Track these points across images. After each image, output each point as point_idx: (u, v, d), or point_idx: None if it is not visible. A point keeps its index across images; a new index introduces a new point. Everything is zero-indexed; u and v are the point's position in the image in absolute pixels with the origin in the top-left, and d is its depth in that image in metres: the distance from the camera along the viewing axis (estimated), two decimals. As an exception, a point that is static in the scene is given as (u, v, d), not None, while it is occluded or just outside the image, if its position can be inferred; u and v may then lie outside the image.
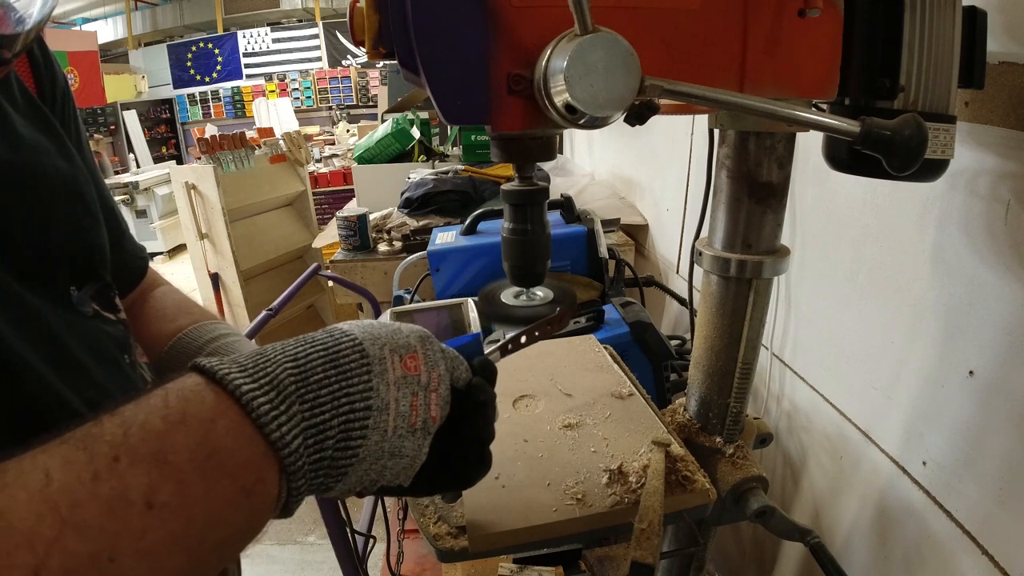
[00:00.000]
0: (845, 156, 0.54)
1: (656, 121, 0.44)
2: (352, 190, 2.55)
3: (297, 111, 9.06)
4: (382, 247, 1.77)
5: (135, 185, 5.95)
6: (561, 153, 3.08)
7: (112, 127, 8.90)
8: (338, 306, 3.23)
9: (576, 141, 2.87)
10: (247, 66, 9.93)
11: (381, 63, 4.66)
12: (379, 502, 1.40)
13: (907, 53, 0.49)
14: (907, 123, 0.42)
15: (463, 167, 2.18)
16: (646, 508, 0.54)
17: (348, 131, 6.36)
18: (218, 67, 10.02)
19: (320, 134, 6.88)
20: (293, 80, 9.76)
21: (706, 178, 0.70)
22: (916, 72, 0.49)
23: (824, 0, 0.47)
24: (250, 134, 3.52)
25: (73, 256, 0.46)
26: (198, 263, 3.25)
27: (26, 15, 0.39)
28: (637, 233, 1.78)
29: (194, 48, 10.03)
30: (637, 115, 0.41)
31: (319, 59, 9.81)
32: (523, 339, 0.50)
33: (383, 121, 2.89)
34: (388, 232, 1.80)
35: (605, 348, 0.87)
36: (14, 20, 0.39)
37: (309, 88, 9.73)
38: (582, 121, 0.41)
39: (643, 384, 0.78)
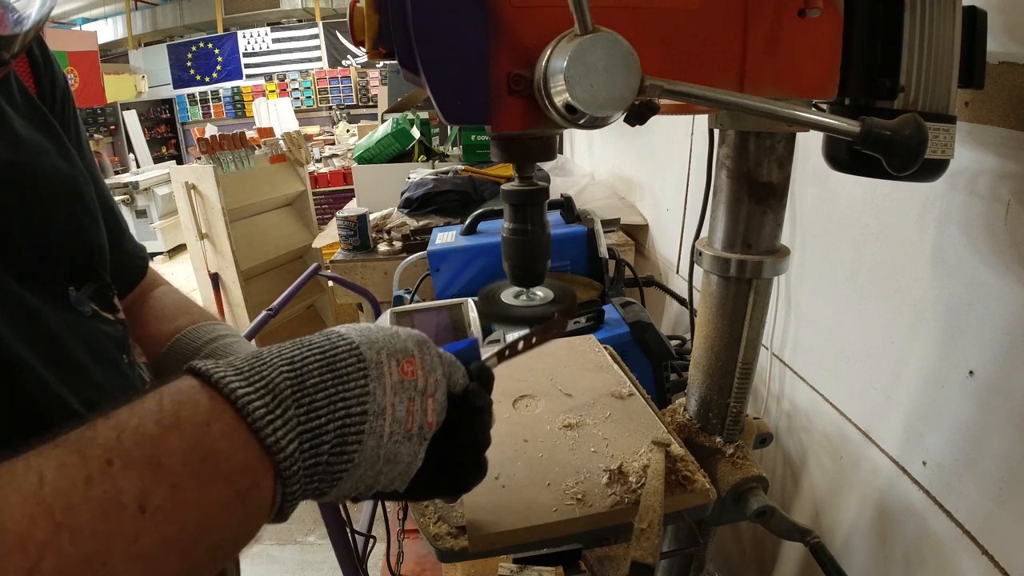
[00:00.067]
0: (845, 156, 0.54)
1: (656, 121, 0.44)
2: (352, 190, 2.55)
3: (297, 111, 9.06)
4: (382, 247, 1.77)
5: (135, 185, 5.95)
6: (561, 153, 3.08)
7: (112, 127, 8.90)
8: (338, 306, 3.23)
9: (576, 141, 2.87)
10: (247, 66, 9.93)
11: (381, 63, 4.66)
12: (379, 502, 1.40)
13: (907, 53, 0.49)
14: (907, 123, 0.42)
15: (463, 167, 2.18)
16: (646, 508, 0.54)
17: (348, 131, 6.36)
18: (218, 67, 10.02)
19: (320, 134, 6.88)
20: (293, 80, 9.76)
21: (706, 178, 0.70)
22: (916, 72, 0.49)
23: (824, 0, 0.47)
24: (250, 134, 3.52)
25: (73, 256, 0.46)
26: (198, 263, 3.25)
27: (25, 15, 0.39)
28: (637, 233, 1.78)
29: (194, 48, 10.03)
30: (637, 115, 0.41)
31: (319, 59, 9.81)
32: (520, 345, 0.50)
33: (383, 121, 2.89)
34: (388, 232, 1.80)
35: (605, 348, 0.87)
36: (12, 20, 0.39)
37: (309, 88, 9.73)
38: (582, 121, 0.41)
39: (643, 384, 0.78)
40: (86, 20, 10.05)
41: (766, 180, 0.57)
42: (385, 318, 1.15)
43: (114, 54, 10.25)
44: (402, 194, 1.99)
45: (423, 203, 1.92)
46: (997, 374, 0.63)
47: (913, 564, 0.76)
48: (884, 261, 0.79)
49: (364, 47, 0.44)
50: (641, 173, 1.88)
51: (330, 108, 9.66)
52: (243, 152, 3.20)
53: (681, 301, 1.41)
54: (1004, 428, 0.62)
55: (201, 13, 9.85)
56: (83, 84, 7.48)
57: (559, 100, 0.40)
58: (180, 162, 8.56)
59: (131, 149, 9.09)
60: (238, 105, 9.95)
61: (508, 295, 0.60)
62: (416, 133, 2.50)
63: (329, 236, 2.22)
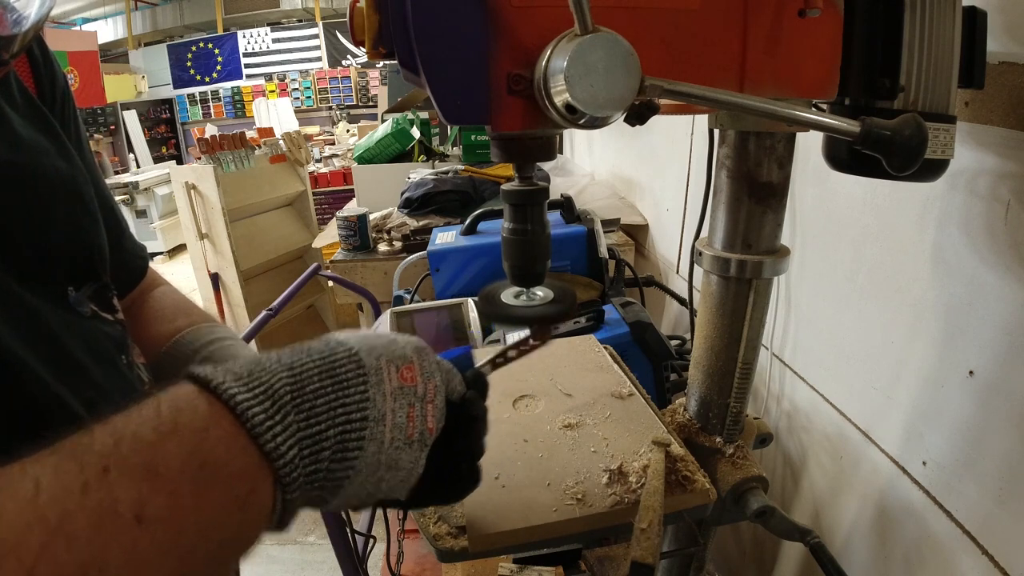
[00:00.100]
0: (845, 156, 0.54)
1: (656, 121, 0.44)
2: (352, 190, 2.55)
3: (297, 111, 9.06)
4: (382, 247, 1.77)
5: (135, 185, 5.95)
6: (561, 153, 3.08)
7: (112, 127, 8.90)
8: (338, 306, 3.23)
9: (576, 141, 2.87)
10: (247, 66, 9.93)
11: (381, 63, 4.67)
12: (379, 502, 1.40)
13: (907, 53, 0.49)
14: (907, 123, 0.42)
15: (463, 167, 2.18)
16: (646, 508, 0.54)
17: (348, 131, 6.36)
18: (218, 67, 10.02)
19: (320, 134, 6.89)
20: (293, 80, 9.76)
21: (706, 178, 0.70)
22: (916, 72, 0.49)
23: (824, 0, 0.47)
24: (250, 134, 3.52)
25: (73, 256, 0.46)
26: (198, 263, 3.25)
27: (24, 15, 0.39)
28: (637, 233, 1.78)
29: (194, 48, 10.03)
30: (637, 115, 0.41)
31: (319, 59, 9.81)
32: (513, 352, 0.50)
33: (383, 121, 2.89)
34: (388, 232, 1.80)
35: (605, 348, 0.87)
36: (12, 20, 0.39)
37: (309, 88, 9.73)
38: (582, 121, 0.41)
39: (643, 384, 0.78)
40: (86, 20, 10.05)
41: (766, 180, 0.57)
42: (385, 318, 1.15)
43: (114, 54, 10.26)
44: (402, 194, 1.99)
45: (423, 203, 1.92)
46: (997, 374, 0.63)
47: (913, 564, 0.76)
48: (884, 261, 0.79)
49: (364, 47, 0.44)
50: (641, 173, 1.88)
51: (330, 108, 9.66)
52: (243, 152, 3.20)
53: (681, 301, 1.41)
54: (1004, 428, 0.62)
55: (201, 13, 9.85)
56: (83, 84, 7.48)
57: (559, 100, 0.40)
58: (180, 162, 8.56)
59: (131, 149, 9.10)
60: (238, 105, 9.95)
61: (508, 295, 0.60)
62: (416, 133, 2.50)
63: (329, 236, 2.22)
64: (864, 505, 0.85)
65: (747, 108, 0.43)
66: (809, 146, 0.61)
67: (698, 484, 0.60)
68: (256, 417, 0.32)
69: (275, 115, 8.19)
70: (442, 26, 0.41)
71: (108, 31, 10.13)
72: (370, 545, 1.26)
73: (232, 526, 0.31)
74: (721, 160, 0.60)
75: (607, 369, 0.80)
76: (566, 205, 1.47)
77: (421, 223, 1.81)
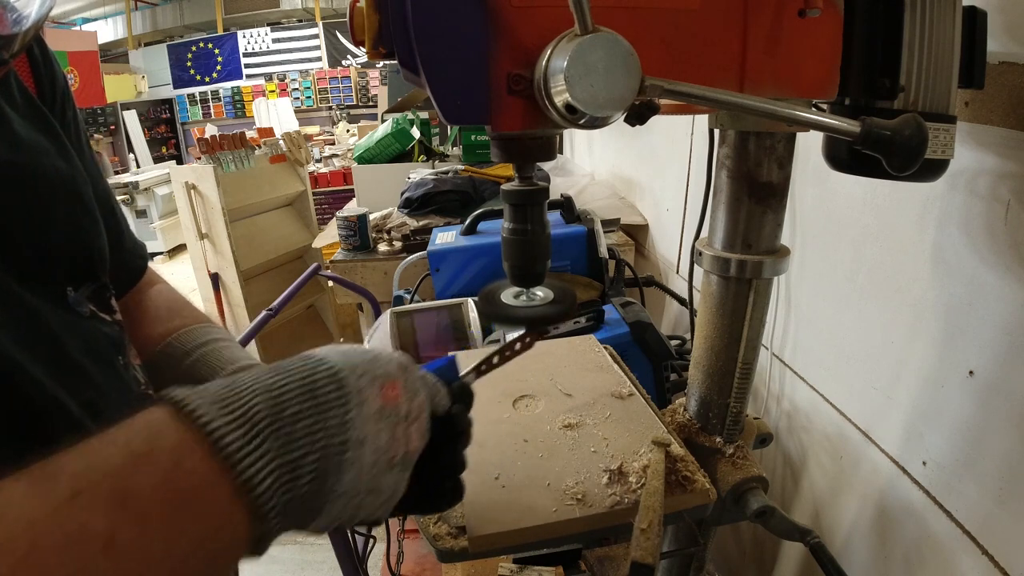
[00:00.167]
0: (845, 156, 0.54)
1: (656, 121, 0.44)
2: (352, 190, 2.55)
3: (297, 111, 9.06)
4: (382, 247, 1.77)
5: (135, 185, 5.95)
6: (561, 153, 3.08)
7: (112, 127, 8.91)
8: (338, 306, 3.23)
9: (576, 141, 2.87)
10: (247, 66, 9.94)
11: (381, 63, 4.66)
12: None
13: (907, 53, 0.49)
14: (907, 123, 0.42)
15: (463, 167, 2.18)
16: (646, 508, 0.54)
17: (348, 131, 6.36)
18: (218, 67, 10.02)
19: (320, 134, 6.89)
20: (293, 80, 9.77)
21: (706, 178, 0.70)
22: (916, 72, 0.49)
23: (824, 0, 0.47)
24: (250, 134, 3.52)
25: (72, 256, 0.46)
26: (198, 263, 3.25)
27: (24, 15, 0.39)
28: (637, 233, 1.78)
29: (194, 48, 10.04)
30: (637, 115, 0.41)
31: (319, 59, 9.81)
32: (496, 359, 0.50)
33: (383, 121, 2.89)
34: (388, 232, 1.80)
35: (605, 348, 0.86)
36: (12, 20, 0.39)
37: (309, 88, 9.73)
38: (582, 121, 0.41)
39: (643, 384, 0.78)
40: (86, 20, 10.05)
41: (766, 180, 0.57)
42: (385, 318, 1.15)
43: (114, 54, 10.26)
44: (402, 194, 1.99)
45: (423, 203, 1.92)
46: (997, 374, 0.63)
47: (913, 564, 0.76)
48: (884, 261, 0.79)
49: (364, 47, 0.44)
50: (641, 173, 1.88)
51: (330, 108, 9.66)
52: (243, 152, 3.20)
53: (681, 301, 1.41)
54: (1004, 428, 0.62)
55: (201, 13, 9.85)
56: (83, 84, 7.48)
57: (559, 100, 0.40)
58: (180, 162, 8.57)
59: (131, 149, 9.10)
60: (238, 105, 9.95)
61: (508, 295, 0.60)
62: (416, 133, 2.50)
63: (329, 236, 2.22)
64: (864, 505, 0.85)
65: (747, 108, 0.43)
66: (809, 146, 0.61)
67: (698, 484, 0.60)
68: (231, 445, 0.31)
69: (275, 115, 8.19)
70: (442, 26, 0.41)
71: (108, 31, 10.13)
72: (370, 545, 1.26)
73: (205, 555, 0.30)
74: (721, 160, 0.60)
75: (607, 369, 0.80)
76: (566, 205, 1.47)
77: (421, 223, 1.81)
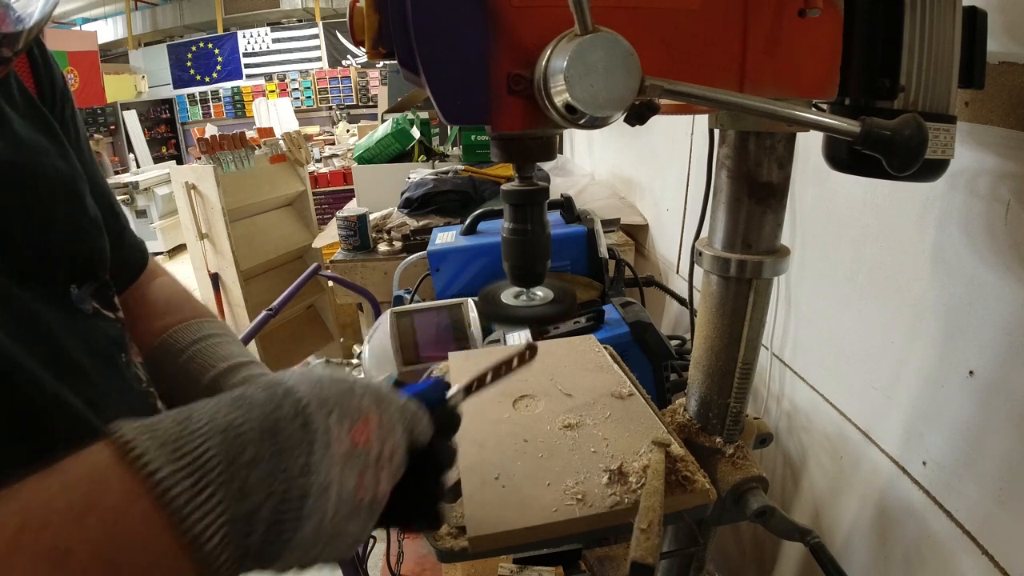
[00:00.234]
0: (845, 156, 0.54)
1: (656, 121, 0.44)
2: (352, 190, 2.55)
3: (297, 111, 9.06)
4: (382, 247, 1.77)
5: (135, 185, 5.95)
6: (561, 153, 3.08)
7: (112, 127, 8.91)
8: (338, 306, 3.23)
9: (576, 141, 2.87)
10: (247, 66, 9.94)
11: (381, 63, 4.67)
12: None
13: (907, 53, 0.49)
14: (907, 123, 0.42)
15: (463, 167, 2.18)
16: (646, 508, 0.54)
17: (348, 131, 6.36)
18: (218, 67, 10.02)
19: (320, 134, 6.89)
20: (293, 80, 9.77)
21: (706, 178, 0.70)
22: (916, 72, 0.49)
23: (824, 0, 0.47)
24: (250, 134, 3.51)
25: (73, 257, 0.46)
26: (198, 263, 3.25)
27: (25, 14, 0.39)
28: (637, 233, 1.78)
29: (194, 48, 10.04)
30: (637, 115, 0.41)
31: (319, 59, 9.81)
32: (488, 378, 0.48)
33: (383, 121, 2.89)
34: (388, 232, 1.80)
35: (605, 348, 0.86)
36: (14, 19, 0.39)
37: (309, 88, 9.73)
38: (582, 121, 0.41)
39: (643, 384, 0.78)
40: (86, 20, 10.05)
41: (766, 180, 0.57)
42: (385, 318, 1.15)
43: (114, 54, 10.26)
44: (402, 194, 1.99)
45: (423, 203, 1.92)
46: (997, 374, 0.63)
47: (913, 564, 0.76)
48: (884, 261, 0.79)
49: (364, 47, 0.44)
50: (641, 173, 1.88)
51: (330, 108, 9.66)
52: (243, 152, 3.20)
53: (681, 301, 1.41)
54: (1004, 428, 0.62)
55: (201, 13, 9.86)
56: (83, 84, 7.48)
57: (559, 100, 0.40)
58: (180, 162, 8.57)
59: (131, 149, 9.10)
60: (238, 105, 9.95)
61: (508, 295, 0.60)
62: (416, 133, 2.50)
63: (329, 236, 2.22)
64: (864, 505, 0.85)
65: (747, 108, 0.43)
66: (809, 146, 0.61)
67: (698, 484, 0.60)
68: (178, 498, 0.29)
69: (275, 115, 8.19)
70: (442, 26, 0.41)
71: (108, 31, 10.14)
72: (370, 545, 1.26)
73: None
74: (721, 160, 0.60)
75: (607, 369, 0.80)
76: (566, 205, 1.47)
77: (421, 223, 1.81)
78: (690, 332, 0.91)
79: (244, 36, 9.81)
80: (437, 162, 2.44)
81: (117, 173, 7.17)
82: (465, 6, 0.41)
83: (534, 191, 0.53)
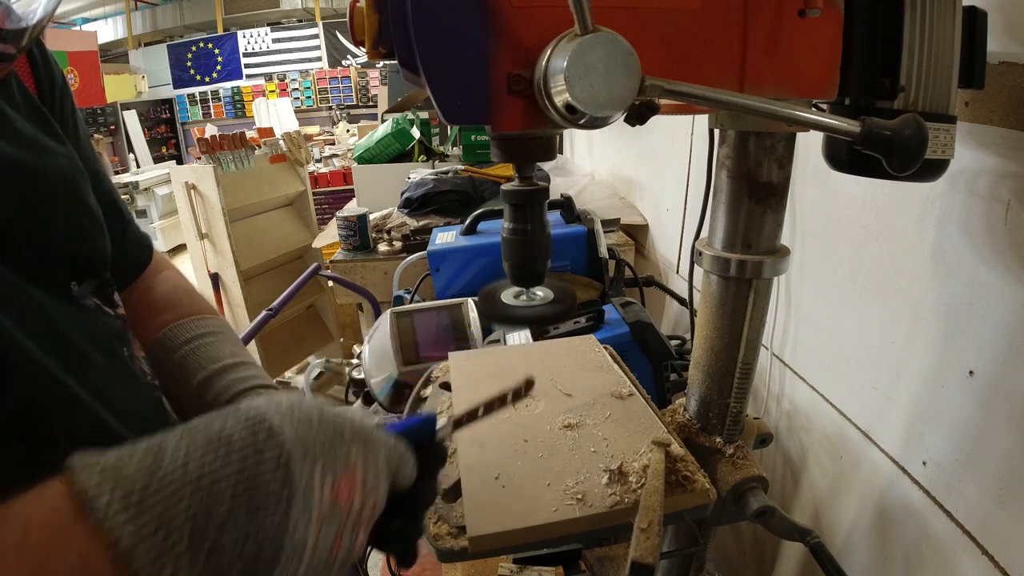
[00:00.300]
0: (845, 156, 0.54)
1: (656, 121, 0.44)
2: (352, 190, 2.55)
3: (297, 111, 9.07)
4: (382, 247, 1.77)
5: (135, 185, 5.95)
6: (561, 153, 3.08)
7: (112, 127, 8.91)
8: (338, 306, 3.23)
9: (576, 141, 2.87)
10: (247, 66, 9.94)
11: (381, 63, 4.67)
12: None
13: (907, 53, 0.49)
14: (907, 123, 0.42)
15: (463, 167, 2.18)
16: (646, 508, 0.54)
17: (348, 131, 6.36)
18: (218, 67, 10.03)
19: (320, 134, 6.89)
20: (293, 80, 9.77)
21: (706, 178, 0.70)
22: (916, 72, 0.49)
23: (824, 0, 0.47)
24: (250, 134, 3.51)
25: (73, 257, 0.46)
26: (198, 263, 3.25)
27: (27, 12, 0.39)
28: (637, 233, 1.78)
29: (194, 48, 10.04)
30: (637, 115, 0.41)
31: (319, 59, 9.82)
32: (480, 412, 0.47)
33: (383, 121, 2.89)
34: (388, 232, 1.80)
35: (605, 348, 0.86)
36: (15, 21, 0.39)
37: (309, 88, 9.74)
38: (582, 121, 0.41)
39: (643, 384, 0.78)
40: (86, 20, 10.06)
41: (766, 180, 0.57)
42: (385, 318, 1.15)
43: (114, 54, 10.26)
44: (402, 194, 1.99)
45: (423, 203, 1.92)
46: (997, 374, 0.63)
47: (913, 564, 0.76)
48: (884, 261, 0.79)
49: (364, 47, 0.44)
50: (641, 173, 1.88)
51: (330, 108, 9.67)
52: (243, 152, 3.20)
53: (681, 301, 1.41)
54: (1004, 428, 0.62)
55: (201, 13, 9.86)
56: (83, 84, 7.48)
57: (559, 100, 0.40)
58: (180, 162, 8.58)
59: (131, 149, 9.10)
60: (238, 105, 9.96)
61: (508, 295, 0.60)
62: (416, 133, 2.50)
63: (329, 236, 2.22)
64: (864, 505, 0.85)
65: (747, 108, 0.43)
66: (809, 146, 0.61)
67: (698, 484, 0.60)
68: (141, 570, 0.27)
69: (275, 115, 8.20)
70: (442, 26, 0.41)
71: (108, 31, 10.14)
72: (368, 548, 1.26)
73: None
74: (721, 160, 0.60)
75: (607, 369, 0.80)
76: (566, 205, 1.47)
77: (421, 223, 1.81)
78: (690, 332, 0.91)
79: (244, 36, 9.82)
80: (437, 162, 2.44)
81: (117, 173, 7.17)
82: (465, 6, 0.41)
83: (534, 191, 0.53)
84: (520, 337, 1.06)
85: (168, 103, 10.21)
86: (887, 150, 0.42)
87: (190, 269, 3.41)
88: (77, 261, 0.46)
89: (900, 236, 0.75)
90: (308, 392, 1.47)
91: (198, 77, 10.12)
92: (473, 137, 2.43)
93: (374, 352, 1.12)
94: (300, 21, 9.92)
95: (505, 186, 0.54)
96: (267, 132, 4.32)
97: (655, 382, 1.07)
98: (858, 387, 0.85)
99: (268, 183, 3.42)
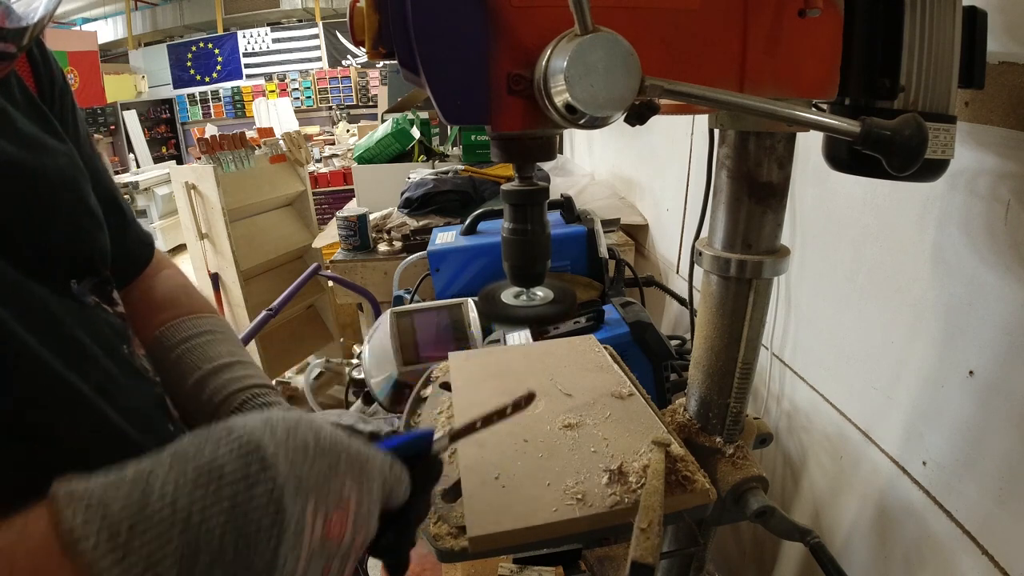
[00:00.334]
0: (845, 156, 0.54)
1: (656, 121, 0.44)
2: (352, 190, 2.55)
3: (297, 111, 9.07)
4: (382, 247, 1.77)
5: (135, 185, 5.96)
6: (561, 153, 3.08)
7: (112, 127, 8.91)
8: (338, 306, 3.23)
9: (576, 141, 2.87)
10: (247, 66, 9.94)
11: (381, 63, 4.67)
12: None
13: (907, 53, 0.49)
14: (907, 123, 0.42)
15: (463, 167, 2.18)
16: (646, 508, 0.54)
17: (348, 131, 6.36)
18: (218, 67, 10.03)
19: (320, 134, 6.89)
20: (293, 80, 9.77)
21: (706, 178, 0.70)
22: (916, 72, 0.49)
23: (824, 0, 0.47)
24: (250, 134, 3.51)
25: (73, 256, 0.46)
26: (198, 263, 3.25)
27: (28, 11, 0.39)
28: (637, 233, 1.78)
29: (194, 48, 10.04)
30: (637, 115, 0.41)
31: (319, 59, 9.82)
32: (479, 424, 0.47)
33: (383, 121, 2.89)
34: (388, 232, 1.80)
35: (605, 348, 0.86)
36: (15, 19, 0.39)
37: (309, 88, 9.74)
38: (582, 121, 0.41)
39: (643, 384, 0.78)
40: (86, 20, 10.06)
41: (766, 180, 0.57)
42: (385, 318, 1.15)
43: (114, 54, 10.27)
44: (402, 194, 1.99)
45: (423, 203, 1.92)
46: (997, 374, 0.63)
47: (913, 564, 0.76)
48: (884, 261, 0.79)
49: (364, 47, 0.44)
50: (641, 173, 1.88)
51: (330, 108, 9.67)
52: (243, 152, 3.20)
53: (681, 301, 1.41)
54: (1004, 428, 0.62)
55: (201, 13, 9.86)
56: (83, 84, 7.48)
57: (559, 100, 0.40)
58: (180, 162, 8.58)
59: (131, 149, 9.10)
60: (238, 105, 9.96)
61: (508, 295, 0.60)
62: (416, 133, 2.50)
63: (329, 236, 2.22)
64: (864, 505, 0.85)
65: (747, 108, 0.43)
66: (809, 146, 0.61)
67: (698, 484, 0.60)
68: None
69: (275, 115, 8.20)
70: (442, 26, 0.41)
71: (108, 31, 10.14)
72: (369, 546, 1.26)
73: None
74: (721, 160, 0.60)
75: (607, 369, 0.80)
76: (566, 205, 1.47)
77: (421, 223, 1.81)
78: (690, 332, 0.91)
79: (244, 36, 9.82)
80: (437, 162, 2.44)
81: (117, 173, 7.17)
82: (465, 6, 0.41)
83: (534, 191, 0.53)
84: (520, 337, 1.06)
85: (168, 103, 10.21)
86: (887, 150, 0.42)
87: (190, 269, 3.41)
88: (77, 260, 0.46)
89: (900, 236, 0.75)
90: (308, 392, 1.47)
91: (198, 77, 10.12)
92: (473, 137, 2.43)
93: (374, 352, 1.12)
94: (300, 21, 9.92)
95: (505, 186, 0.54)
96: (267, 132, 4.32)
97: (655, 382, 1.07)
98: (858, 387, 0.85)
99: (268, 183, 3.42)
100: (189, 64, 10.09)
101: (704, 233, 0.66)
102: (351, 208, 1.99)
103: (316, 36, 9.74)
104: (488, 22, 0.41)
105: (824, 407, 0.93)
